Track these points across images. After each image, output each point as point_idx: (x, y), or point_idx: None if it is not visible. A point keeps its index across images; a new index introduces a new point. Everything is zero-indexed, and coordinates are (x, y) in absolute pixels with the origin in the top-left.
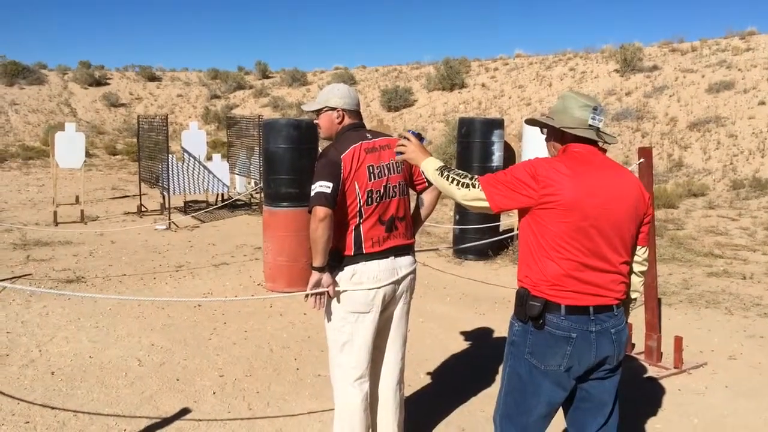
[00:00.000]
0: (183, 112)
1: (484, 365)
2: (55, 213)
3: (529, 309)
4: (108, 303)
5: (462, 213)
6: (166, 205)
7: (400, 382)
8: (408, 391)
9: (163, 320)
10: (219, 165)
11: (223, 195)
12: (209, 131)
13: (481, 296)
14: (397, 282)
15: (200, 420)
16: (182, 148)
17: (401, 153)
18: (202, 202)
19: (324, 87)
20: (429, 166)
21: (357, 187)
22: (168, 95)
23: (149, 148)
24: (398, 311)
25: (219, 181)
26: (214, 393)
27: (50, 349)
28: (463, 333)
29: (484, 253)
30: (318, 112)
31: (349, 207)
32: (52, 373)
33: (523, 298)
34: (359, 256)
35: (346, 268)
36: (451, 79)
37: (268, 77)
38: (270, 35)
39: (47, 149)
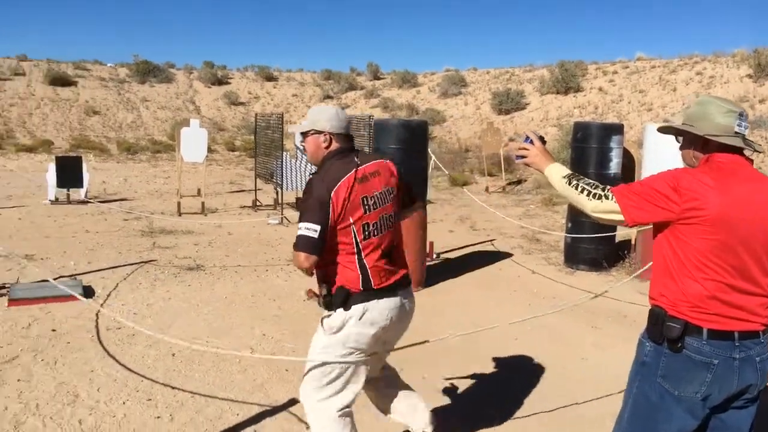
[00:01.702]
0: (297, 111)
1: (598, 381)
2: (178, 204)
3: (667, 330)
4: (224, 292)
5: (575, 221)
6: (279, 201)
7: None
8: (510, 404)
9: (274, 311)
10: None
11: None
12: None
13: (595, 309)
14: (398, 320)
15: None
16: (296, 145)
17: (522, 157)
18: None
19: (312, 108)
20: (555, 173)
21: (352, 221)
22: (284, 95)
23: (265, 145)
24: (394, 338)
25: None
26: None
27: (171, 332)
28: (573, 346)
29: (597, 264)
30: (305, 134)
31: (345, 244)
32: (173, 355)
33: (659, 317)
34: (369, 293)
35: (353, 307)
36: (565, 83)
37: (379, 78)
38: (382, 37)
39: (173, 144)
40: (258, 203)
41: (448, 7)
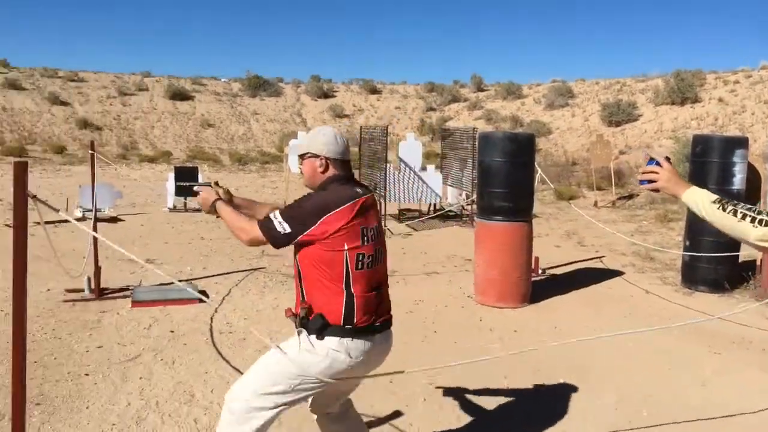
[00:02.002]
0: (400, 124)
1: (720, 408)
2: None
3: None
4: None
5: (693, 238)
6: (382, 212)
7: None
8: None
9: None
10: (432, 176)
11: (435, 205)
12: (424, 142)
13: (716, 333)
14: (377, 361)
15: (411, 424)
16: (399, 158)
17: (650, 181)
18: (415, 210)
19: (312, 130)
20: (700, 199)
21: (346, 248)
22: (387, 107)
23: (369, 157)
24: (356, 380)
25: (432, 191)
26: (424, 399)
27: (280, 339)
28: (693, 370)
29: (718, 285)
30: (302, 157)
31: (335, 269)
32: None
33: None
34: (347, 330)
35: (327, 339)
36: (682, 93)
37: (482, 90)
38: (486, 48)
39: (281, 155)
40: None
41: (554, 17)
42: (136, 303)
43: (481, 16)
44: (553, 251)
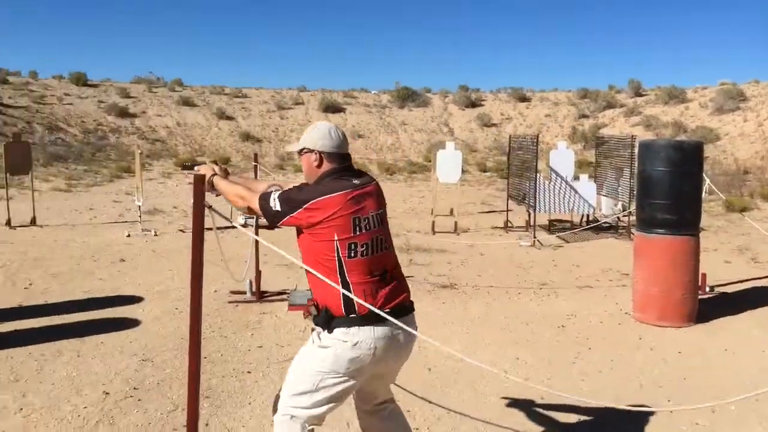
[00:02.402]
0: (550, 132)
1: None
2: (433, 223)
3: None
4: (476, 311)
5: None
6: (531, 223)
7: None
8: None
9: (527, 336)
10: (586, 185)
11: (588, 216)
12: (576, 151)
13: None
14: (396, 351)
15: None
16: (549, 167)
17: None
18: (566, 221)
19: (308, 127)
20: None
21: (336, 238)
22: (536, 115)
23: (517, 167)
24: (387, 371)
25: (585, 201)
26: (579, 419)
27: (427, 347)
28: None
29: None
30: (300, 153)
31: (328, 259)
32: (429, 370)
33: None
34: (352, 319)
35: (336, 331)
36: None
37: (641, 95)
38: (644, 51)
39: (428, 165)
40: (509, 224)
41: (721, 15)
42: (292, 306)
43: (638, 17)
44: (722, 267)
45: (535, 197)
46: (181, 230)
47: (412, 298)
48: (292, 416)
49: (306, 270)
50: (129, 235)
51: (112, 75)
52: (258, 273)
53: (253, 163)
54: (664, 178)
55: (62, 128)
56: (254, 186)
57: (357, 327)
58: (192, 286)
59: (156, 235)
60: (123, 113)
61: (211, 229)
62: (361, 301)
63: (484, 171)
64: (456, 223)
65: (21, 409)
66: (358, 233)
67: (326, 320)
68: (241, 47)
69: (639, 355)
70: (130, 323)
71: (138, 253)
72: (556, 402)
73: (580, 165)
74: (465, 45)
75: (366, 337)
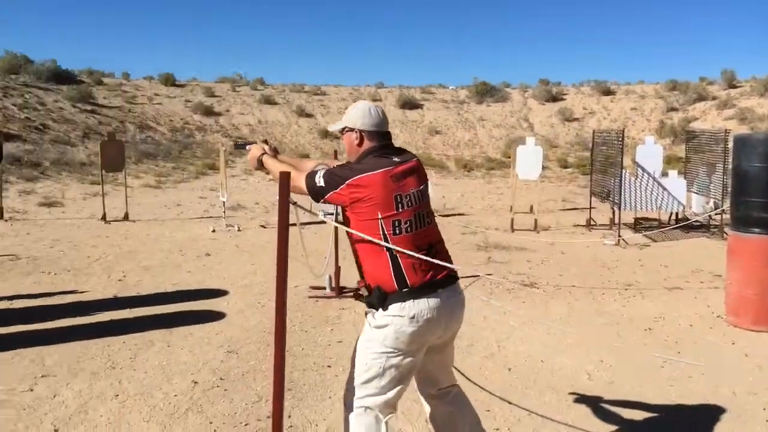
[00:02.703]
0: (635, 126)
1: None
2: (512, 220)
3: None
4: (558, 311)
5: None
6: (616, 221)
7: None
8: None
9: (613, 338)
10: (675, 182)
11: (677, 214)
12: (664, 146)
13: None
14: (447, 320)
15: None
16: (635, 162)
17: None
18: (653, 219)
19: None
20: None
21: (380, 216)
22: (621, 109)
23: (601, 162)
24: (449, 343)
25: (674, 199)
26: (666, 426)
27: (507, 347)
28: None
29: None
30: (341, 132)
31: (368, 229)
32: (509, 370)
33: None
34: (405, 293)
35: (390, 307)
36: None
37: (734, 87)
38: (739, 39)
39: (507, 161)
40: (592, 222)
41: None
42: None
43: (731, 3)
44: None
45: (620, 194)
46: (262, 226)
47: (489, 297)
48: (365, 408)
49: (354, 251)
50: (214, 231)
51: (199, 75)
52: (337, 269)
53: (333, 160)
54: (761, 174)
55: (152, 127)
56: (302, 165)
57: (412, 300)
58: (277, 281)
59: (239, 230)
60: (208, 112)
61: (294, 224)
62: (411, 276)
63: (565, 167)
64: (536, 220)
65: (117, 395)
66: (400, 210)
67: (381, 298)
68: (321, 46)
69: (732, 360)
70: (216, 316)
71: (222, 248)
72: (642, 407)
73: (669, 161)
74: (545, 38)
75: (422, 308)
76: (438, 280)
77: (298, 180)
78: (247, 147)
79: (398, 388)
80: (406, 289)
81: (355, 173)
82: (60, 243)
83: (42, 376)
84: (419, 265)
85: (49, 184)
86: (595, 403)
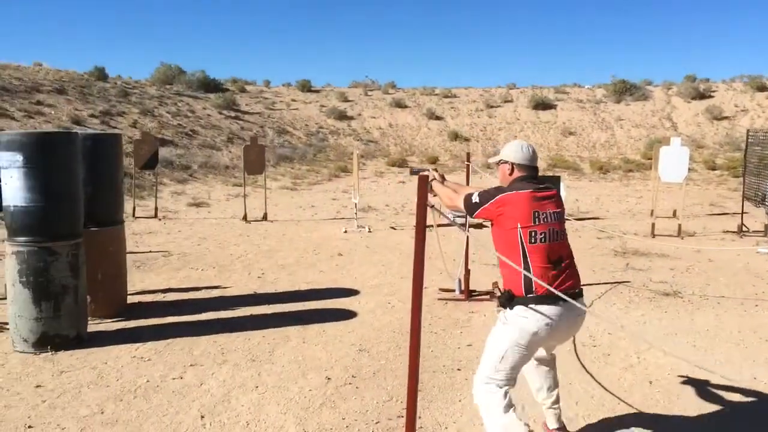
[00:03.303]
0: None
1: None
2: (653, 225)
3: None
4: (705, 323)
5: None
6: None
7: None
8: None
9: (767, 354)
10: None
11: None
12: None
13: None
14: (568, 327)
15: None
16: None
17: None
18: None
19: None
20: None
21: (519, 226)
22: None
23: (755, 164)
24: (558, 342)
25: None
26: None
27: (648, 358)
28: None
29: None
30: (497, 163)
31: (512, 244)
32: (650, 383)
33: None
34: (529, 299)
35: (516, 308)
36: None
37: None
38: None
39: (647, 162)
40: (744, 228)
41: None
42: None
43: None
44: None
45: None
46: (392, 227)
47: (628, 305)
48: (488, 379)
49: (498, 258)
50: (345, 231)
51: (333, 80)
52: (467, 272)
53: (465, 163)
54: None
55: (289, 131)
56: (462, 190)
57: (534, 304)
58: (414, 282)
59: (370, 231)
60: (341, 116)
61: (431, 226)
62: (540, 282)
63: (713, 169)
64: (680, 225)
65: (257, 387)
66: (537, 223)
67: (508, 299)
68: (453, 48)
69: None
70: (348, 314)
71: (353, 248)
72: None
73: None
74: (692, 32)
75: (544, 312)
76: (563, 291)
77: (458, 200)
78: (421, 173)
79: (517, 369)
80: (530, 295)
81: (503, 192)
82: (206, 241)
83: (191, 365)
84: (546, 275)
85: (197, 186)
86: (746, 425)
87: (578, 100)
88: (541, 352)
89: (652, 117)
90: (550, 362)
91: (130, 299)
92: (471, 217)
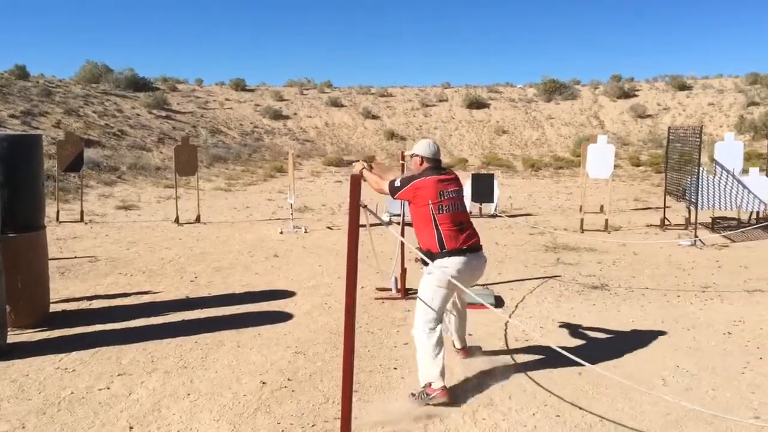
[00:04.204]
0: (713, 122)
1: None
2: (581, 220)
3: None
4: (631, 315)
5: None
6: (692, 220)
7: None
8: None
9: (689, 342)
10: (757, 180)
11: (758, 213)
12: (743, 142)
13: None
14: (472, 273)
15: None
16: (713, 160)
17: None
18: (732, 219)
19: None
20: None
21: (430, 203)
22: (697, 104)
23: (676, 160)
24: (467, 284)
25: (755, 197)
26: None
27: (577, 350)
28: None
29: None
30: (411, 156)
31: (426, 217)
32: (579, 374)
33: None
34: (443, 253)
35: (435, 261)
36: None
37: None
38: None
39: (576, 159)
40: (667, 222)
41: None
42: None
43: None
44: None
45: (697, 193)
46: (329, 227)
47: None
48: (426, 326)
49: (415, 228)
50: (281, 232)
51: (268, 79)
52: (403, 270)
53: (400, 162)
54: None
55: (222, 131)
56: (385, 176)
57: (447, 257)
58: (347, 282)
59: (306, 232)
60: (277, 115)
61: (364, 226)
62: (448, 242)
63: (638, 165)
64: (607, 220)
65: (189, 394)
66: (442, 199)
67: (429, 257)
68: (388, 47)
69: None
70: (284, 316)
71: (290, 249)
72: (721, 414)
73: (749, 158)
74: (618, 33)
75: (455, 261)
76: (464, 248)
77: (383, 185)
78: (353, 164)
79: (443, 307)
80: (444, 251)
81: (417, 179)
82: (136, 245)
83: (118, 375)
84: (453, 236)
85: (126, 188)
86: (670, 410)
87: (511, 99)
88: (457, 306)
89: (580, 115)
90: (462, 312)
91: (54, 308)
92: (393, 198)
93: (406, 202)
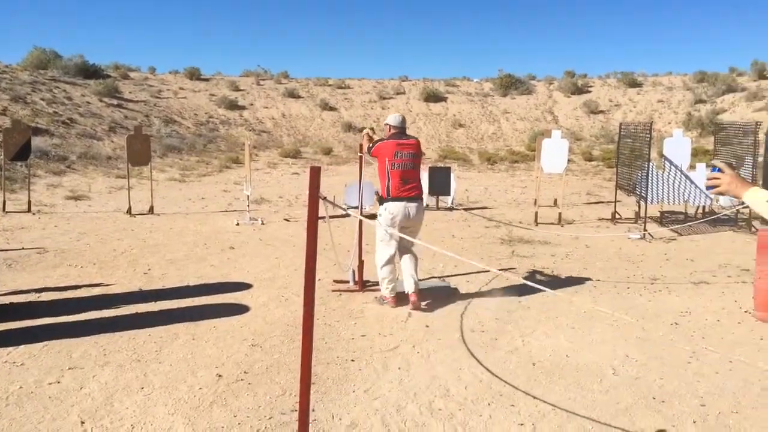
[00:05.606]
0: (662, 118)
1: None
2: (536, 214)
3: None
4: (583, 306)
5: None
6: (642, 214)
7: (412, 252)
8: None
9: (638, 333)
10: (703, 175)
11: (704, 208)
12: (691, 138)
13: None
14: (408, 214)
15: None
16: (663, 155)
17: (714, 187)
18: (680, 213)
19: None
20: (756, 197)
21: (387, 159)
22: (648, 101)
23: (627, 156)
24: (412, 228)
25: (701, 192)
26: (694, 422)
27: (531, 341)
28: None
29: None
30: (385, 124)
31: (383, 170)
32: (533, 365)
33: None
34: (389, 198)
35: (384, 204)
36: None
37: (765, 78)
38: None
39: (530, 154)
40: (617, 216)
41: None
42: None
43: None
44: None
45: (646, 187)
46: (286, 219)
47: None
48: (383, 254)
49: (379, 177)
50: (238, 224)
51: (223, 69)
52: (361, 263)
53: (359, 154)
54: None
55: (177, 121)
56: (369, 142)
57: (392, 201)
58: (306, 274)
59: (263, 223)
60: (232, 106)
61: (323, 218)
62: (393, 191)
63: (590, 160)
64: (560, 214)
65: (142, 387)
66: (397, 158)
67: (380, 200)
68: (346, 40)
69: (760, 356)
70: (240, 309)
71: (246, 241)
72: (669, 403)
73: (696, 153)
74: (572, 29)
75: (395, 206)
76: (404, 197)
77: (365, 147)
78: (364, 132)
79: (393, 240)
80: (389, 197)
81: (382, 141)
82: (86, 236)
83: (69, 369)
84: (399, 186)
85: (76, 178)
86: (620, 399)
87: (467, 93)
88: (405, 246)
89: (535, 110)
90: (411, 252)
91: (1, 300)
92: (368, 155)
93: (364, 196)
